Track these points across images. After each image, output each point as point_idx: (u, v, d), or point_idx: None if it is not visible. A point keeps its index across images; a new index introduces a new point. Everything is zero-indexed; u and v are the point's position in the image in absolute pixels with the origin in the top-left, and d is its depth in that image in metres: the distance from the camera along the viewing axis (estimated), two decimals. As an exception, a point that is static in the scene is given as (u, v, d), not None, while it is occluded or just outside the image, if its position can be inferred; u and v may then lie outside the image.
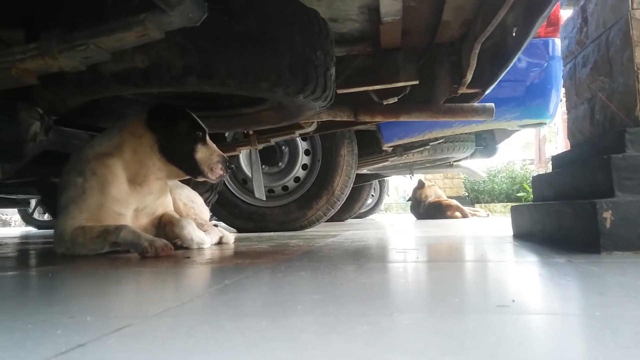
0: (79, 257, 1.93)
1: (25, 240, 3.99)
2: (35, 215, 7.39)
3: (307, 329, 0.66)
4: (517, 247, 1.89)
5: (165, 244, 1.88)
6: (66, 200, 2.10)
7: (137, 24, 1.37)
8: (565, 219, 1.75)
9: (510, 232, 2.51)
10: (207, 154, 2.14)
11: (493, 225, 3.99)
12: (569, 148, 2.41)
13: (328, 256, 1.69)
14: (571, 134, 2.29)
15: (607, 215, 1.50)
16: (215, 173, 2.14)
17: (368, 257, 1.65)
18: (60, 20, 1.71)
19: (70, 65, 1.47)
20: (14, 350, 0.59)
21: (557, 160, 2.33)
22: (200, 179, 2.21)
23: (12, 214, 12.73)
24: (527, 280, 1.12)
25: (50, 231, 6.22)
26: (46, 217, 7.42)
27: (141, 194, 2.17)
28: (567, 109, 2.38)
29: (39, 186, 3.81)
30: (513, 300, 0.82)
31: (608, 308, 0.75)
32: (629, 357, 0.50)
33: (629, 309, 0.73)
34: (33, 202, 6.76)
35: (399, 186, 23.21)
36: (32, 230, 7.18)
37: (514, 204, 9.09)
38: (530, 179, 10.48)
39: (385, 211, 16.57)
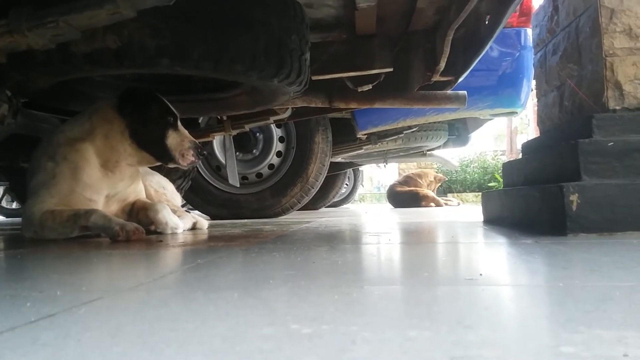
0: (48, 241, 1.90)
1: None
2: (3, 203, 7.23)
3: (279, 299, 0.67)
4: (487, 230, 1.92)
5: (137, 228, 1.86)
6: (36, 184, 2.06)
7: (109, 2, 1.35)
8: (534, 203, 1.79)
9: (481, 218, 2.56)
10: (179, 139, 2.12)
11: (464, 213, 4.05)
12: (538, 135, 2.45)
13: (302, 239, 1.69)
14: (541, 121, 2.34)
15: (574, 198, 1.54)
16: (187, 159, 2.12)
17: (341, 240, 1.66)
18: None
19: (39, 43, 1.43)
20: (-19, 320, 0.59)
21: (526, 147, 2.38)
22: (172, 166, 2.19)
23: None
24: (494, 258, 1.14)
25: (18, 219, 6.09)
26: (14, 205, 7.26)
27: (113, 180, 2.14)
28: (537, 97, 2.42)
29: (7, 172, 3.73)
30: (480, 274, 0.84)
31: (571, 280, 0.77)
32: (589, 320, 0.52)
33: (591, 281, 0.76)
34: (0, 189, 6.61)
35: (374, 176, 23.36)
36: (-1, 218, 7.04)
37: (485, 193, 9.26)
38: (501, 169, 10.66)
39: (360, 201, 16.66)
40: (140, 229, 1.87)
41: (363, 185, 12.47)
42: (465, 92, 2.88)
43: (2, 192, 6.82)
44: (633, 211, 1.52)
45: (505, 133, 19.35)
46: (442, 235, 1.84)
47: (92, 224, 1.90)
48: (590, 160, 1.61)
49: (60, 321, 0.58)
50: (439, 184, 7.49)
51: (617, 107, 1.75)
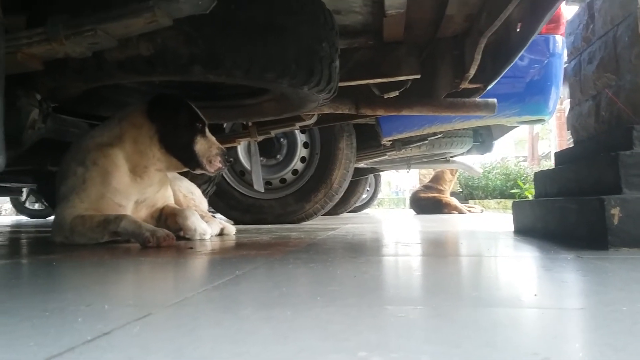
0: (78, 247, 1.91)
1: (18, 229, 3.95)
2: (27, 204, 7.33)
3: (333, 320, 0.65)
4: (521, 242, 1.88)
5: (167, 234, 1.86)
6: (66, 189, 2.07)
7: (146, 10, 1.35)
8: (570, 215, 1.75)
9: (510, 228, 2.51)
10: (206, 146, 2.12)
11: (490, 221, 4.00)
12: (569, 145, 2.41)
13: (333, 249, 1.68)
14: (574, 131, 2.29)
15: (615, 212, 1.50)
16: (214, 166, 2.12)
17: (374, 251, 1.64)
18: (63, 6, 1.68)
19: (77, 51, 1.44)
20: (38, 338, 0.58)
21: (560, 156, 2.33)
22: (199, 172, 2.19)
23: (3, 203, 12.63)
24: (543, 276, 1.11)
25: (42, 220, 6.18)
26: (37, 206, 7.36)
27: (142, 186, 2.15)
28: (570, 106, 2.38)
29: (35, 174, 3.77)
30: (535, 295, 0.81)
31: (634, 303, 0.74)
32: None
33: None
34: (25, 190, 6.70)
35: (392, 181, 23.26)
36: (23, 219, 7.12)
37: (508, 200, 9.14)
38: (524, 176, 10.51)
39: (378, 206, 16.60)
40: (170, 235, 1.87)
41: (381, 190, 12.42)
42: (495, 99, 2.84)
43: (26, 194, 6.91)
44: (677, 226, 1.47)
45: (526, 138, 19.15)
46: (477, 247, 1.81)
47: (122, 229, 1.91)
48: (632, 173, 1.57)
49: (118, 341, 0.57)
50: (456, 176, 7.37)
51: (658, 118, 1.70)
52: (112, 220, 1.94)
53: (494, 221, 3.95)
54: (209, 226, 2.36)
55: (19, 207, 7.34)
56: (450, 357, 0.49)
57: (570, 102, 2.36)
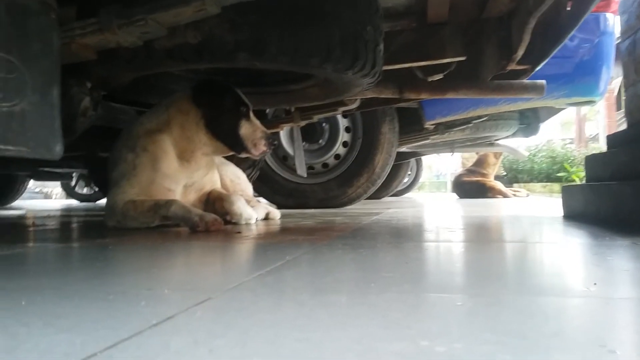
0: (130, 230, 1.97)
1: (69, 212, 4.09)
2: (77, 189, 7.58)
3: (391, 308, 0.65)
4: (572, 228, 1.84)
5: (215, 219, 1.90)
6: (117, 175, 2.13)
7: (195, -2, 1.37)
8: (625, 201, 1.70)
9: (558, 213, 2.46)
10: (251, 130, 2.15)
11: (536, 205, 3.91)
12: (618, 127, 2.32)
13: (380, 234, 1.68)
14: (628, 113, 2.20)
15: (674, 197, 1.45)
16: (259, 149, 2.15)
17: (420, 236, 1.63)
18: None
19: (128, 41, 1.47)
20: (106, 322, 0.60)
21: (613, 139, 2.25)
22: (244, 155, 2.22)
23: (53, 187, 13.09)
24: (599, 264, 1.08)
25: (92, 204, 6.38)
26: (86, 190, 7.61)
27: (189, 170, 2.19)
28: (624, 86, 2.29)
29: (85, 160, 3.89)
30: (595, 284, 0.80)
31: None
32: None
33: None
34: (75, 175, 6.93)
35: (433, 165, 22.96)
36: (73, 202, 7.38)
37: (554, 184, 8.91)
38: (571, 159, 10.20)
39: (419, 190, 16.45)
40: (218, 220, 1.91)
41: (421, 173, 12.27)
42: (543, 81, 2.76)
43: (76, 179, 7.15)
44: None
45: (573, 120, 18.55)
46: (526, 233, 1.78)
47: (172, 214, 1.95)
48: (693, 157, 1.50)
49: (182, 324, 0.59)
50: (500, 160, 7.22)
51: None
52: (162, 205, 1.99)
53: (540, 205, 3.86)
54: (254, 211, 2.39)
55: (69, 191, 7.61)
56: (516, 347, 0.49)
57: (624, 83, 2.27)
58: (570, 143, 15.92)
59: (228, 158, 2.64)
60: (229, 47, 1.79)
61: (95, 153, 3.22)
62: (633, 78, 2.19)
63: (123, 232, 1.92)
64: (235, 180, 2.58)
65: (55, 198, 12.69)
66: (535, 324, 0.57)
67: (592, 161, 2.34)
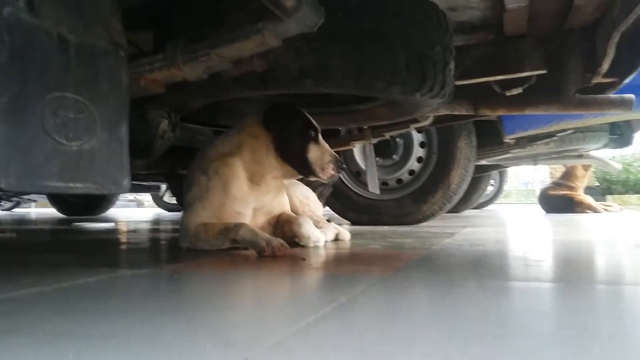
0: (201, 253, 2.03)
1: (153, 226, 4.29)
2: (165, 199, 7.97)
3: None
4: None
5: (282, 244, 1.91)
6: (191, 197, 2.21)
7: (255, 33, 1.39)
8: None
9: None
10: (319, 153, 2.15)
11: (632, 224, 3.63)
12: None
13: (446, 266, 1.62)
14: None
15: None
16: (327, 173, 2.14)
17: (499, 271, 1.55)
18: (184, 23, 1.79)
19: (194, 75, 1.52)
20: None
21: None
22: (312, 179, 2.23)
23: (145, 195, 13.86)
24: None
25: (178, 214, 6.66)
26: (174, 200, 7.99)
27: (259, 193, 2.23)
28: None
29: (166, 176, 4.08)
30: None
31: None
32: None
33: None
34: (163, 186, 7.29)
35: (519, 172, 22.05)
36: (161, 213, 7.76)
37: (652, 196, 8.27)
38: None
39: (505, 197, 15.83)
40: (284, 245, 1.92)
41: (507, 181, 11.81)
42: (632, 95, 2.57)
43: (164, 189, 7.52)
44: None
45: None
46: (621, 267, 1.65)
47: (241, 238, 1.99)
48: None
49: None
50: (590, 171, 6.77)
51: None
52: (231, 229, 2.03)
53: (629, 225, 3.58)
54: (323, 232, 2.39)
55: (158, 201, 8.02)
56: None
57: None
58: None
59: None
60: (294, 75, 1.80)
61: (175, 170, 3.37)
62: None
63: (194, 255, 1.99)
64: (304, 201, 2.59)
65: (146, 205, 13.42)
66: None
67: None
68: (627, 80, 2.49)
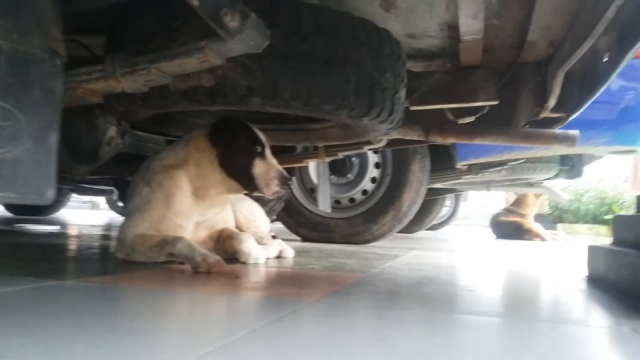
0: (136, 265, 1.99)
1: (98, 232, 4.19)
2: (119, 203, 7.82)
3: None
4: (584, 298, 1.74)
5: (217, 261, 1.89)
6: (132, 208, 2.17)
7: (197, 51, 1.38)
8: (642, 275, 1.59)
9: (583, 272, 2.35)
10: (265, 169, 2.14)
11: (569, 256, 3.74)
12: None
13: (376, 293, 1.63)
14: (661, 175, 2.08)
15: (690, 281, 1.34)
16: (271, 189, 2.13)
17: (421, 300, 1.57)
18: (136, 33, 1.77)
19: (133, 88, 1.50)
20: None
21: (642, 201, 2.13)
22: (257, 194, 2.21)
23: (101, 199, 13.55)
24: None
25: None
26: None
27: (203, 207, 2.21)
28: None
29: (116, 182, 4.01)
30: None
31: None
32: None
33: None
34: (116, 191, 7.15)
35: (480, 195, 22.42)
36: (115, 217, 7.60)
37: (600, 226, 8.54)
38: (620, 201, 9.76)
39: (464, 219, 16.04)
40: (220, 262, 1.90)
41: (467, 202, 11.99)
42: (577, 131, 2.66)
43: (118, 194, 7.37)
44: None
45: (630, 156, 17.79)
46: (539, 303, 1.69)
47: (177, 252, 1.97)
48: None
49: None
50: (539, 200, 6.95)
51: None
52: (169, 242, 2.00)
53: (573, 256, 3.69)
54: (266, 248, 2.38)
55: (112, 204, 7.86)
56: None
57: (659, 143, 2.15)
58: (625, 181, 15.25)
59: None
60: (242, 92, 1.80)
61: (124, 177, 3.31)
62: (667, 139, 2.08)
63: (129, 267, 1.95)
64: (249, 217, 2.58)
65: (102, 208, 13.12)
66: None
67: (619, 222, 2.22)
68: (573, 117, 2.58)
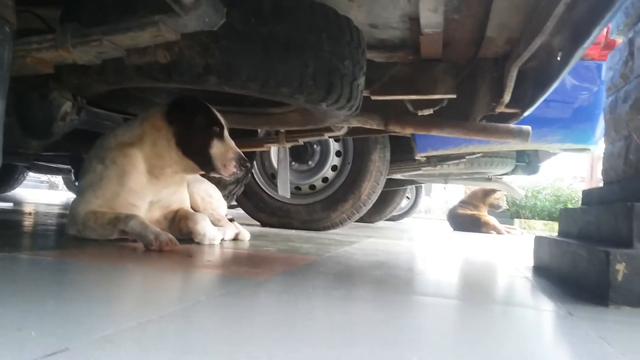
0: (87, 242, 1.97)
1: (52, 210, 4.11)
2: (76, 183, 7.66)
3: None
4: (528, 284, 1.81)
5: (170, 239, 1.89)
6: (84, 184, 2.14)
7: (151, 25, 1.37)
8: (581, 263, 1.66)
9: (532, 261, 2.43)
10: (222, 150, 2.13)
11: (520, 248, 3.86)
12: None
13: (326, 274, 1.65)
14: (604, 171, 2.17)
15: (620, 267, 1.41)
16: (228, 170, 2.12)
17: (368, 281, 1.61)
18: (92, 7, 1.73)
19: (84, 59, 1.48)
20: None
21: (586, 195, 2.22)
22: (214, 175, 2.20)
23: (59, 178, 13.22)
24: (514, 331, 1.06)
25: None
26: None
27: (157, 187, 2.19)
28: (605, 143, 2.25)
29: (71, 160, 3.93)
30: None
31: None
32: None
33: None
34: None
35: (443, 189, 22.78)
36: (72, 197, 7.42)
37: (555, 223, 8.81)
38: (575, 199, 10.07)
39: (426, 213, 16.27)
40: (173, 240, 1.90)
41: (431, 197, 12.18)
42: (529, 127, 2.74)
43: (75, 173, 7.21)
44: (688, 291, 1.37)
45: (587, 158, 18.34)
46: (481, 287, 1.74)
47: (130, 229, 1.95)
48: (646, 228, 1.47)
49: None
50: (492, 196, 7.12)
51: (686, 171, 1.58)
52: (122, 219, 1.98)
53: (524, 248, 3.80)
54: (222, 230, 2.38)
55: (69, 185, 7.68)
56: None
57: (605, 140, 2.24)
58: (581, 181, 15.74)
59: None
60: (199, 70, 1.79)
61: (79, 154, 3.24)
62: (612, 136, 2.16)
63: (78, 243, 1.92)
64: (206, 199, 2.57)
65: (60, 189, 12.81)
66: None
67: (565, 215, 2.30)
68: (527, 113, 2.65)
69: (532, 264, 2.40)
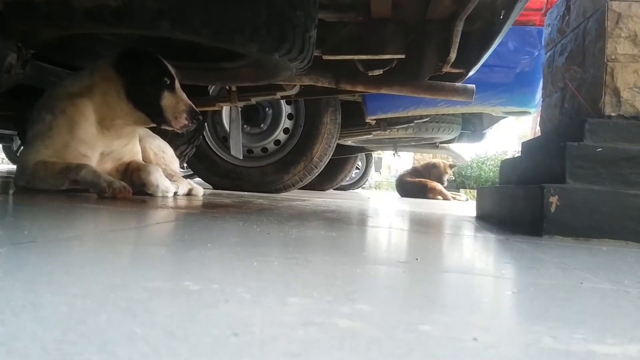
0: (36, 192, 1.94)
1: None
2: (18, 154, 7.37)
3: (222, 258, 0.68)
4: (470, 225, 1.92)
5: (124, 187, 1.89)
6: (32, 135, 2.10)
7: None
8: (518, 202, 1.78)
9: (475, 214, 2.55)
10: (174, 102, 2.12)
11: (464, 208, 4.03)
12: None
13: (279, 214, 1.71)
14: (542, 122, 2.31)
15: (553, 200, 1.53)
16: (180, 122, 2.12)
17: (324, 219, 1.67)
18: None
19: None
20: None
21: (524, 146, 2.35)
22: (165, 127, 2.19)
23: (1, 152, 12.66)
24: (454, 247, 1.14)
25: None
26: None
27: (108, 138, 2.17)
28: (542, 97, 2.39)
29: (15, 120, 3.80)
30: (417, 259, 0.85)
31: (518, 271, 0.78)
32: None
33: (526, 276, 0.76)
34: (18, 140, 6.73)
35: (392, 164, 23.23)
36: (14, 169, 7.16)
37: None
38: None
39: (376, 188, 16.55)
40: (127, 188, 1.90)
41: (380, 173, 12.38)
42: (473, 85, 2.84)
43: (18, 144, 6.94)
44: (612, 219, 1.50)
45: (529, 134, 19.06)
46: (427, 225, 1.84)
47: (82, 178, 1.93)
48: (577, 164, 1.59)
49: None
50: (451, 171, 7.35)
51: (613, 114, 1.72)
52: (72, 169, 1.96)
53: (468, 209, 3.98)
54: (175, 185, 2.38)
55: (11, 156, 7.39)
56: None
57: (543, 94, 2.37)
58: (523, 155, 16.33)
59: (163, 133, 2.61)
60: (151, 14, 1.78)
61: (24, 113, 3.14)
62: (549, 89, 2.29)
63: (28, 193, 1.90)
64: (159, 154, 2.56)
65: (2, 163, 12.29)
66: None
67: (505, 166, 2.43)
68: (472, 72, 2.75)
69: (475, 214, 2.52)
